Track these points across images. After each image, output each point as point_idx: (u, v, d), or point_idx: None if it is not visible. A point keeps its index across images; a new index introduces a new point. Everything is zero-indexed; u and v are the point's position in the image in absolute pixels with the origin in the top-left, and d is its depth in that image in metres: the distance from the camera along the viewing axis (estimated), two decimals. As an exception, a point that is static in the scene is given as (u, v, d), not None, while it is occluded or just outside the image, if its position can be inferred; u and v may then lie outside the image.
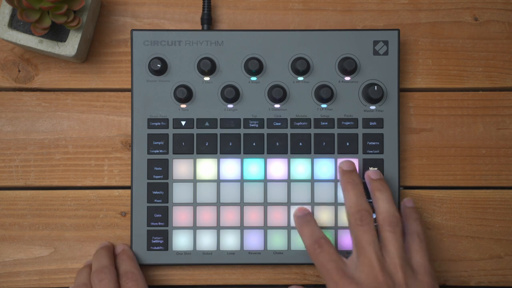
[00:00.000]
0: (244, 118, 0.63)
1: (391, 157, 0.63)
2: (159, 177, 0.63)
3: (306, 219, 0.61)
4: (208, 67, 0.62)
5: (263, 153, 0.63)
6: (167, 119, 0.63)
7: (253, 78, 0.63)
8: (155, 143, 0.63)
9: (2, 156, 0.65)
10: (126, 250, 0.63)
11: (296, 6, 0.66)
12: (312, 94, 0.63)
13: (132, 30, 0.63)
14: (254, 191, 0.63)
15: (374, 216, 0.60)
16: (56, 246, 0.65)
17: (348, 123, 0.63)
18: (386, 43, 0.63)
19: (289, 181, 0.63)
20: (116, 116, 0.66)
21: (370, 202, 0.61)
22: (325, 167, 0.63)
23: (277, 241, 0.63)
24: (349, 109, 0.63)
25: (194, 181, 0.63)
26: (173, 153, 0.63)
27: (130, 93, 0.65)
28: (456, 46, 0.66)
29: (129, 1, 0.66)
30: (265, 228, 0.63)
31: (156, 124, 0.63)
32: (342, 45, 0.63)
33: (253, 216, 0.63)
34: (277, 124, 0.63)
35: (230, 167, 0.63)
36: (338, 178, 0.63)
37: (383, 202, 0.59)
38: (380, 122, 0.63)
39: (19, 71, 0.65)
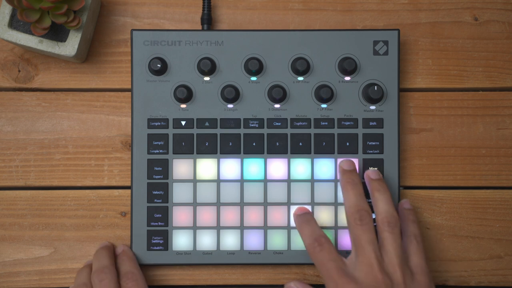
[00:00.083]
0: (244, 118, 0.63)
1: (391, 157, 0.63)
2: (159, 177, 0.63)
3: (306, 218, 0.61)
4: (208, 67, 0.62)
5: (263, 153, 0.63)
6: (167, 119, 0.63)
7: (253, 78, 0.63)
8: (155, 143, 0.63)
9: (2, 156, 0.65)
10: (126, 251, 0.63)
11: (296, 6, 0.66)
12: (312, 94, 0.63)
13: (132, 30, 0.63)
14: (254, 191, 0.63)
15: (373, 216, 0.60)
16: (56, 246, 0.65)
17: (348, 123, 0.63)
18: (386, 43, 0.63)
19: (289, 181, 0.63)
20: (116, 116, 0.66)
21: (369, 202, 0.61)
22: (325, 167, 0.63)
23: (277, 241, 0.63)
24: (349, 109, 0.63)
25: (194, 181, 0.63)
26: (173, 153, 0.63)
27: (130, 93, 0.65)
28: (456, 46, 0.66)
29: (129, 1, 0.66)
30: (265, 228, 0.63)
31: (156, 124, 0.63)
32: (342, 45, 0.63)
33: (253, 216, 0.63)
34: (277, 124, 0.63)
35: (230, 167, 0.63)
36: (338, 177, 0.63)
37: (382, 203, 0.59)
38: (380, 122, 0.63)
39: (19, 71, 0.65)
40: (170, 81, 0.63)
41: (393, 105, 0.63)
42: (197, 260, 0.63)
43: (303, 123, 0.63)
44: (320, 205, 0.63)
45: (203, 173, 0.63)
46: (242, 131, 0.63)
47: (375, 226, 0.59)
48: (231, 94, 0.62)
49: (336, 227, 0.63)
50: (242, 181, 0.63)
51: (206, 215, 0.63)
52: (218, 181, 0.63)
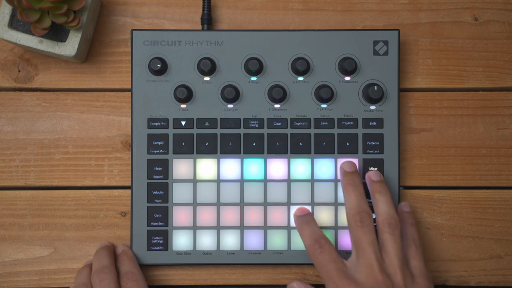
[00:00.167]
0: (244, 118, 0.63)
1: (391, 157, 0.63)
2: (159, 177, 0.63)
3: (306, 219, 0.61)
4: (208, 67, 0.62)
5: (263, 153, 0.63)
6: (167, 119, 0.63)
7: (253, 78, 0.63)
8: (155, 143, 0.63)
9: (2, 156, 0.65)
10: (126, 251, 0.63)
11: (296, 6, 0.66)
12: (312, 94, 0.63)
13: (132, 30, 0.63)
14: (254, 191, 0.63)
15: (373, 217, 0.61)
16: (56, 246, 0.65)
17: (348, 123, 0.63)
18: (386, 43, 0.63)
19: (289, 181, 0.63)
20: (116, 116, 0.66)
21: (369, 202, 0.61)
22: (325, 167, 0.63)
23: (277, 241, 0.63)
24: (349, 109, 0.63)
25: (194, 181, 0.63)
26: (173, 153, 0.63)
27: (130, 93, 0.65)
28: (456, 46, 0.66)
29: (129, 1, 0.66)
30: (265, 228, 0.63)
31: (156, 124, 0.63)
32: (342, 45, 0.63)
33: (253, 216, 0.63)
34: (277, 124, 0.63)
35: (230, 167, 0.63)
36: (339, 178, 0.63)
37: (383, 205, 0.59)
38: (380, 122, 0.63)
39: (19, 71, 0.65)
40: (170, 81, 0.63)
41: (393, 105, 0.63)
42: (197, 260, 0.63)
43: (303, 123, 0.63)
44: (320, 205, 0.63)
45: (203, 173, 0.63)
46: (242, 131, 0.63)
47: (375, 226, 0.59)
48: (231, 94, 0.62)
49: (336, 227, 0.63)
50: (242, 181, 0.63)
51: (206, 215, 0.63)
52: (218, 181, 0.63)
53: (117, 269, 0.62)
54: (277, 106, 0.63)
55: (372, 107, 0.63)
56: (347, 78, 0.63)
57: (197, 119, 0.63)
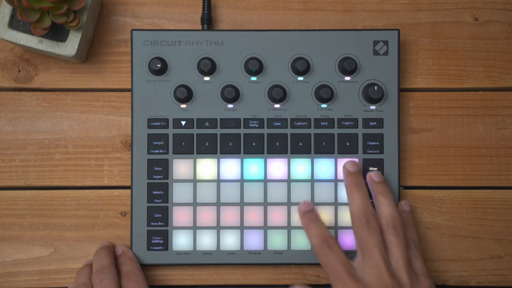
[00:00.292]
0: (244, 118, 0.63)
1: (391, 157, 0.63)
2: (159, 177, 0.63)
3: (313, 216, 0.61)
4: (208, 67, 0.62)
5: (263, 153, 0.63)
6: (167, 119, 0.63)
7: (253, 78, 0.63)
8: (155, 143, 0.63)
9: (2, 156, 0.65)
10: (126, 251, 0.63)
11: (296, 6, 0.66)
12: (312, 94, 0.63)
13: (132, 30, 0.63)
14: (254, 191, 0.63)
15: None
16: (56, 246, 0.65)
17: (348, 123, 0.63)
18: (386, 43, 0.63)
19: (289, 181, 0.63)
20: (116, 116, 0.66)
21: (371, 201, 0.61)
22: (325, 167, 0.63)
23: (277, 241, 0.63)
24: (349, 109, 0.63)
25: (194, 181, 0.63)
26: (173, 153, 0.63)
27: (130, 93, 0.65)
28: (456, 46, 0.66)
29: (129, 1, 0.66)
30: (265, 228, 0.63)
31: (156, 124, 0.63)
32: (342, 45, 0.63)
33: (253, 216, 0.63)
34: (277, 124, 0.63)
35: (230, 167, 0.63)
36: (340, 177, 0.63)
37: (386, 206, 0.60)
38: (380, 122, 0.63)
39: (19, 71, 0.65)
40: (170, 81, 0.63)
41: (393, 105, 0.63)
42: (197, 260, 0.63)
43: (303, 123, 0.63)
44: (320, 205, 0.63)
45: (203, 173, 0.63)
46: (242, 131, 0.63)
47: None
48: (231, 94, 0.62)
49: (336, 227, 0.63)
50: (242, 181, 0.63)
51: (206, 215, 0.63)
52: (218, 181, 0.63)
53: (118, 269, 0.62)
54: (277, 106, 0.63)
55: (372, 107, 0.63)
56: (347, 78, 0.63)
57: (197, 119, 0.63)
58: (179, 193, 0.63)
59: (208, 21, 0.65)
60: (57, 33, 0.61)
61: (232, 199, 0.63)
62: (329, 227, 0.63)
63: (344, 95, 0.63)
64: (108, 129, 0.65)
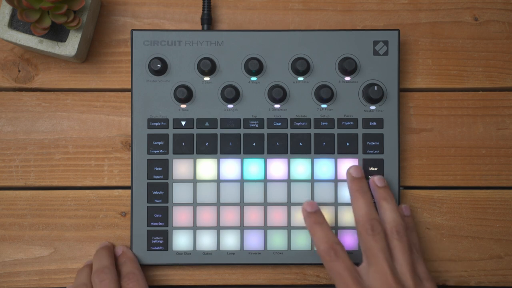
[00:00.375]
0: (244, 118, 0.63)
1: (391, 157, 0.63)
2: (159, 177, 0.63)
3: (318, 219, 0.60)
4: (208, 67, 0.62)
5: (263, 153, 0.63)
6: (167, 119, 0.63)
7: (253, 78, 0.63)
8: (155, 143, 0.63)
9: (2, 156, 0.65)
10: (126, 252, 0.63)
11: (296, 6, 0.66)
12: (312, 94, 0.63)
13: (132, 30, 0.63)
14: (254, 191, 0.63)
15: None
16: (56, 246, 0.65)
17: (348, 123, 0.63)
18: (386, 43, 0.63)
19: (289, 181, 0.63)
20: (116, 116, 0.66)
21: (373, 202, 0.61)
22: (325, 167, 0.63)
23: (277, 241, 0.63)
24: (349, 109, 0.63)
25: (194, 181, 0.63)
26: (173, 153, 0.63)
27: (130, 93, 0.65)
28: (456, 46, 0.66)
29: (129, 1, 0.66)
30: (265, 228, 0.63)
31: (156, 124, 0.63)
32: (342, 45, 0.63)
33: (253, 216, 0.63)
34: (277, 124, 0.63)
35: (230, 167, 0.63)
36: (347, 183, 0.62)
37: (390, 212, 0.60)
38: (380, 122, 0.63)
39: (19, 71, 0.65)
40: (170, 81, 0.63)
41: (393, 105, 0.63)
42: (197, 260, 0.63)
43: (303, 123, 0.63)
44: (320, 205, 0.63)
45: (203, 173, 0.63)
46: (242, 131, 0.63)
47: None
48: (231, 94, 0.62)
49: (336, 227, 0.63)
50: (242, 181, 0.63)
51: (206, 215, 0.63)
52: (218, 181, 0.63)
53: (118, 270, 0.62)
54: (277, 106, 0.63)
55: (372, 107, 0.63)
56: (347, 78, 0.63)
57: (197, 119, 0.63)
58: (179, 193, 0.63)
59: (208, 21, 0.65)
60: (57, 33, 0.61)
61: (232, 199, 0.63)
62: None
63: (344, 95, 0.63)
64: (108, 129, 0.65)
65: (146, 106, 0.63)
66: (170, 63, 0.63)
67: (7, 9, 0.60)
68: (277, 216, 0.63)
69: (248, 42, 0.63)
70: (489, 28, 0.66)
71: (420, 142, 0.66)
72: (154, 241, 0.63)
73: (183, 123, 0.63)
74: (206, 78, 0.63)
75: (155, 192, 0.63)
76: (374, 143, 0.63)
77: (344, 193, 0.63)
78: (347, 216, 0.63)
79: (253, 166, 0.63)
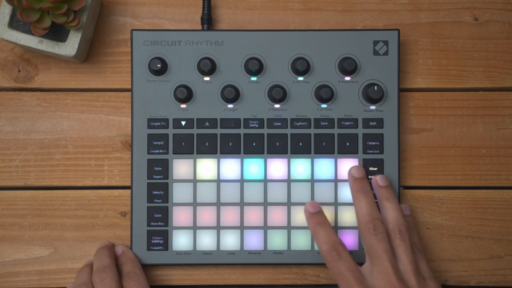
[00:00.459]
0: (244, 118, 0.63)
1: (391, 157, 0.63)
2: (159, 177, 0.63)
3: (321, 220, 0.60)
4: (208, 67, 0.62)
5: (263, 153, 0.63)
6: (167, 119, 0.63)
7: (253, 78, 0.63)
8: (155, 143, 0.63)
9: (2, 156, 0.65)
10: (126, 252, 0.63)
11: (296, 6, 0.66)
12: (312, 94, 0.63)
13: (132, 30, 0.63)
14: (254, 191, 0.63)
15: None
16: (56, 246, 0.65)
17: (348, 123, 0.63)
18: (386, 43, 0.63)
19: (289, 181, 0.63)
20: (116, 116, 0.66)
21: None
22: (325, 167, 0.63)
23: (277, 241, 0.63)
24: (349, 109, 0.63)
25: (194, 181, 0.63)
26: (173, 153, 0.63)
27: (130, 93, 0.65)
28: (456, 46, 0.66)
29: (129, 1, 0.66)
30: (265, 228, 0.63)
31: (156, 124, 0.63)
32: (342, 45, 0.63)
33: (253, 216, 0.63)
34: (277, 124, 0.63)
35: (230, 167, 0.63)
36: (349, 183, 0.62)
37: (392, 211, 0.60)
38: (380, 122, 0.63)
39: (19, 71, 0.65)
40: (170, 81, 0.63)
41: (393, 105, 0.63)
42: (197, 260, 0.63)
43: (303, 123, 0.63)
44: (320, 205, 0.63)
45: (203, 173, 0.63)
46: (242, 131, 0.63)
47: None
48: (231, 94, 0.62)
49: (336, 227, 0.63)
50: (242, 181, 0.63)
51: (206, 215, 0.63)
52: (218, 181, 0.63)
53: (119, 269, 0.62)
54: (277, 106, 0.63)
55: (372, 107, 0.63)
56: (347, 78, 0.63)
57: (197, 119, 0.63)
58: (179, 193, 0.63)
59: (208, 21, 0.65)
60: (57, 33, 0.61)
61: (232, 199, 0.63)
62: (329, 227, 0.63)
63: (344, 95, 0.63)
64: (108, 129, 0.65)
65: (146, 106, 0.63)
66: (170, 63, 0.63)
67: (7, 9, 0.60)
68: (277, 216, 0.63)
69: (248, 42, 0.63)
70: (489, 28, 0.66)
71: (420, 142, 0.66)
72: (154, 241, 0.63)
73: (183, 123, 0.63)
74: (206, 78, 0.63)
75: (155, 192, 0.63)
76: (374, 143, 0.63)
77: (344, 193, 0.63)
78: (347, 216, 0.63)
79: (253, 166, 0.63)
